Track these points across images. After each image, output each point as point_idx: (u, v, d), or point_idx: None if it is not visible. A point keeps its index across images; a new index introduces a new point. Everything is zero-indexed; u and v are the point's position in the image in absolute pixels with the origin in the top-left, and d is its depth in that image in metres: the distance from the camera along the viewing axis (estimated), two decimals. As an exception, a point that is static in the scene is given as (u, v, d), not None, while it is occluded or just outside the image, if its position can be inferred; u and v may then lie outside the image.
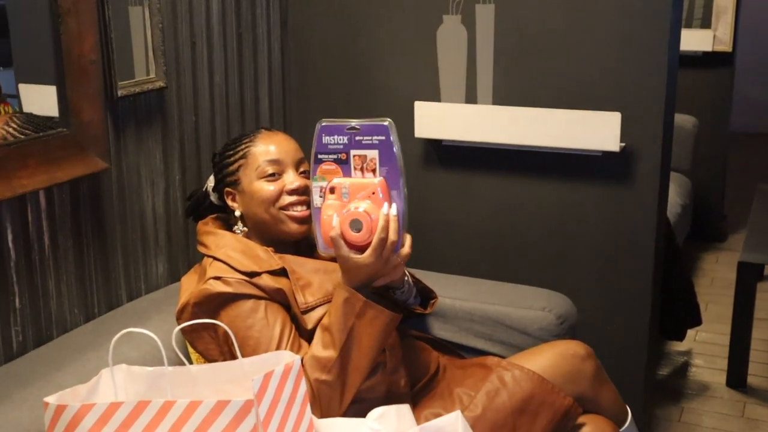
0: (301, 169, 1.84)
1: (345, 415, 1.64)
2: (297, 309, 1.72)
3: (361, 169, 1.60)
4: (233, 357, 1.51)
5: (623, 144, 2.21)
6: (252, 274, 1.71)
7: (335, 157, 1.60)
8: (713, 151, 4.48)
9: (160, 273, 2.12)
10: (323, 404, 1.61)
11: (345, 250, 1.58)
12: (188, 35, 2.14)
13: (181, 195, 2.15)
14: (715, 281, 4.15)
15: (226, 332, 1.61)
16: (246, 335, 1.65)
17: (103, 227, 1.92)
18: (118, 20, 1.88)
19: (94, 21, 1.78)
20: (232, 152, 1.85)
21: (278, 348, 1.64)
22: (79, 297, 1.87)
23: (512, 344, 2.05)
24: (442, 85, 2.39)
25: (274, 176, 1.80)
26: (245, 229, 1.85)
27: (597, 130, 2.20)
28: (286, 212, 1.79)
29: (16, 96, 1.77)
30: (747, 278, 3.02)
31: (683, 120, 4.17)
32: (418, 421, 1.66)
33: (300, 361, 1.39)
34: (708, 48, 4.31)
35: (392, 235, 1.57)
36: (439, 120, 2.39)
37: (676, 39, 2.22)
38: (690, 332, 3.35)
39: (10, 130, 1.68)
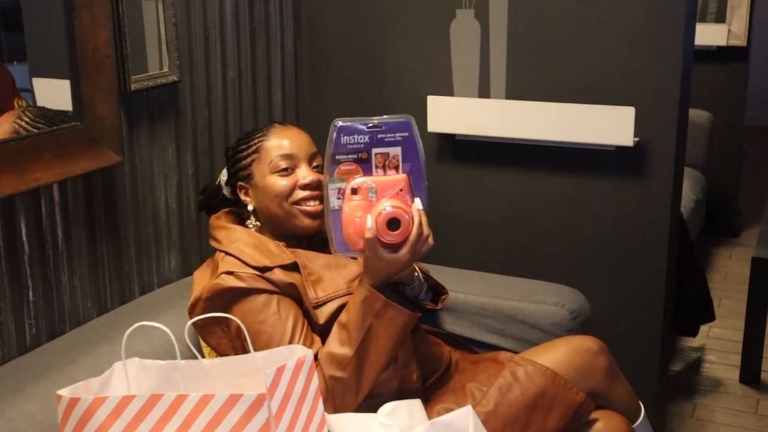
0: (314, 164, 1.84)
1: (356, 409, 1.64)
2: (308, 304, 1.72)
3: (383, 167, 1.58)
4: (245, 352, 1.51)
5: (637, 139, 2.20)
6: (264, 269, 1.70)
7: (355, 156, 1.57)
8: (727, 146, 4.45)
9: (173, 267, 2.12)
10: (336, 401, 1.61)
11: (381, 250, 1.56)
12: (201, 29, 2.14)
13: (194, 189, 2.15)
14: (728, 277, 4.13)
15: (238, 327, 1.62)
16: (259, 330, 1.65)
17: (116, 221, 1.93)
18: (132, 14, 1.88)
19: (108, 15, 1.79)
20: (245, 146, 1.85)
21: (291, 342, 1.63)
22: (92, 290, 1.88)
23: (525, 339, 2.05)
24: (455, 80, 2.39)
25: (287, 171, 1.80)
26: (258, 223, 1.85)
27: (611, 125, 2.20)
28: (299, 207, 1.79)
29: (30, 90, 1.78)
30: (761, 274, 3.00)
31: (697, 115, 4.14)
32: (430, 416, 1.66)
33: (312, 356, 1.39)
34: (722, 42, 4.28)
35: (426, 230, 1.57)
36: (452, 114, 2.39)
37: (691, 33, 2.21)
38: (703, 328, 3.34)
39: (23, 124, 1.68)
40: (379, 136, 1.57)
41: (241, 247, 1.74)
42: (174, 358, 1.41)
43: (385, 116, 1.58)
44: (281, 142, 1.82)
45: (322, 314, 1.71)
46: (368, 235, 1.54)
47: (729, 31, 4.27)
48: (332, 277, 1.76)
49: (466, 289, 2.12)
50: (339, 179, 1.57)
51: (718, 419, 2.87)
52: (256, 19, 2.35)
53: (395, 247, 1.56)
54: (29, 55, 1.77)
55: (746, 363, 3.10)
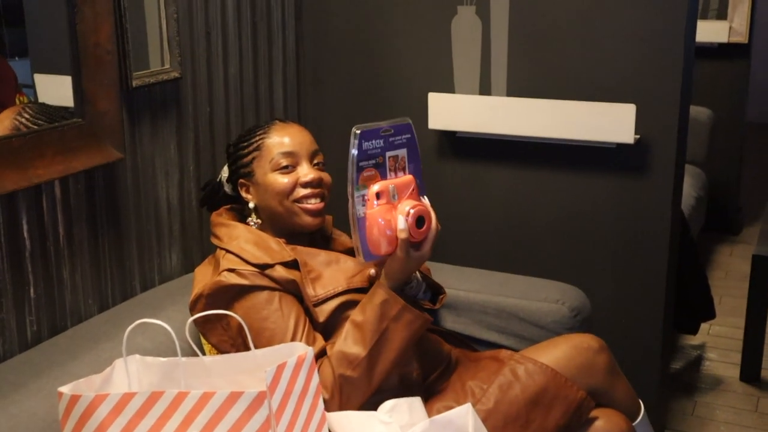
0: (315, 161, 1.84)
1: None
2: (308, 302, 1.72)
3: (394, 170, 1.60)
4: (246, 350, 1.51)
5: (638, 136, 2.20)
6: (265, 266, 1.71)
7: (374, 162, 1.57)
8: (728, 143, 4.45)
9: (174, 264, 2.13)
10: (343, 399, 1.61)
11: (410, 250, 1.58)
12: (203, 25, 2.14)
13: (195, 186, 2.15)
14: (729, 274, 4.13)
15: (239, 325, 1.62)
16: (261, 327, 1.65)
17: (117, 217, 1.93)
18: (133, 10, 1.88)
19: (109, 11, 1.79)
20: (246, 144, 1.85)
21: (293, 340, 1.64)
22: (93, 287, 1.88)
23: (525, 337, 2.05)
24: (456, 77, 2.39)
25: (288, 168, 1.80)
26: (259, 220, 1.85)
27: (612, 122, 2.20)
28: (300, 204, 1.79)
29: (32, 86, 1.78)
30: (762, 271, 3.00)
31: (698, 112, 4.14)
32: (430, 414, 1.66)
33: (312, 354, 1.39)
34: (724, 39, 4.28)
35: (438, 225, 1.60)
36: (453, 111, 2.39)
37: (692, 30, 2.21)
38: (703, 326, 3.34)
39: (23, 120, 1.68)
40: (390, 139, 1.58)
41: (241, 245, 1.75)
42: (175, 354, 1.41)
43: (382, 122, 1.59)
44: (282, 139, 1.82)
45: (323, 312, 1.71)
46: (402, 235, 1.55)
47: (730, 28, 4.26)
48: (332, 274, 1.76)
49: (467, 286, 2.12)
50: (363, 186, 1.56)
51: (718, 417, 2.87)
52: (257, 15, 2.34)
53: (419, 244, 1.59)
54: (31, 50, 1.77)
55: (747, 361, 3.10)
